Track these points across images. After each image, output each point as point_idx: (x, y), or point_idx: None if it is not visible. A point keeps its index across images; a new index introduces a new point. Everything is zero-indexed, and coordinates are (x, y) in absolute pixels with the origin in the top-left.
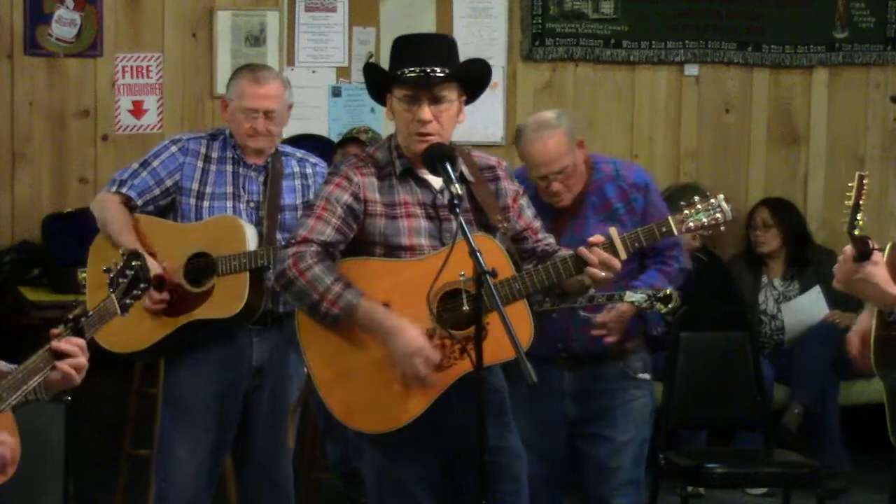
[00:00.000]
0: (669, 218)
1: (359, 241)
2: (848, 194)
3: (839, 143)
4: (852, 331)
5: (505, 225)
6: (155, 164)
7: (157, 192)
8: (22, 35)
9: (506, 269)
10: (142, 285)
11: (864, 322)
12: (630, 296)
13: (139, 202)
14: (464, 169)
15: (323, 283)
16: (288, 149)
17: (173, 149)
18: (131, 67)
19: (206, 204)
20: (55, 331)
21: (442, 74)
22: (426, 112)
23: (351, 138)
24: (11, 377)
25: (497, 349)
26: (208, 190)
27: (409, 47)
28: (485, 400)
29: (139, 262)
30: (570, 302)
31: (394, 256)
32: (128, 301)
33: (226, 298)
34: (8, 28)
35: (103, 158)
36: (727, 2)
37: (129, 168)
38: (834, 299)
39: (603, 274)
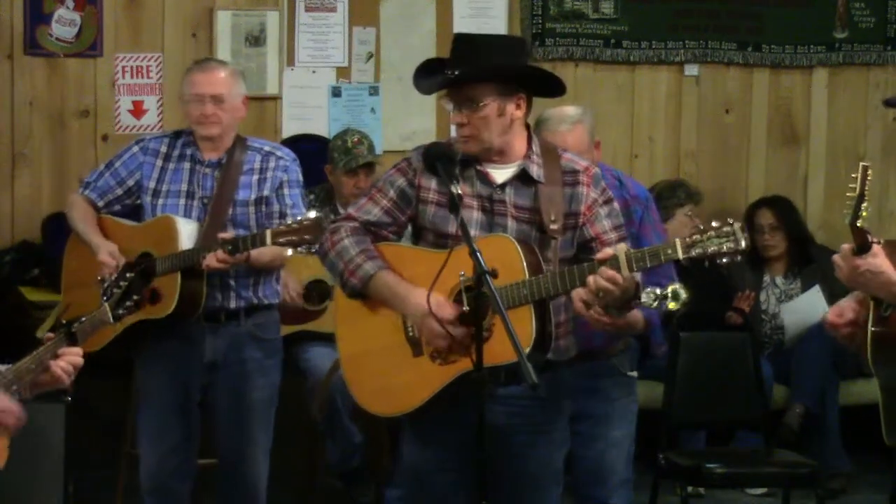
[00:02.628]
0: (677, 242)
1: (416, 226)
2: (851, 185)
3: (839, 143)
4: (834, 306)
5: (554, 228)
6: (117, 164)
7: (119, 192)
8: (22, 35)
9: (518, 271)
10: (134, 297)
11: (847, 303)
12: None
13: (101, 203)
14: (534, 169)
15: (348, 254)
16: (257, 143)
17: (135, 149)
18: (131, 67)
19: (160, 202)
20: (49, 335)
21: (455, 76)
22: (457, 116)
23: (368, 164)
24: (1, 377)
25: (499, 351)
26: (164, 188)
27: (455, 47)
28: (484, 398)
29: (133, 275)
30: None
31: (442, 244)
32: (120, 312)
33: (162, 299)
34: (8, 28)
35: (103, 158)
36: (727, 2)
37: (97, 169)
38: (836, 296)
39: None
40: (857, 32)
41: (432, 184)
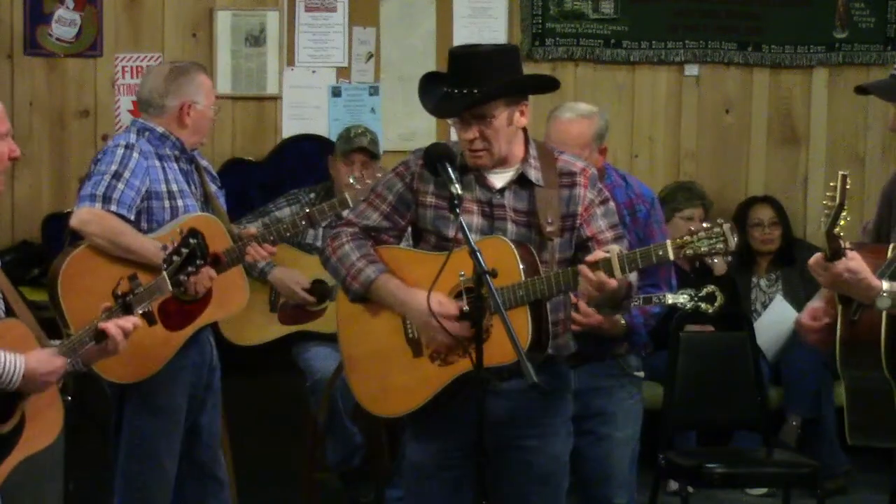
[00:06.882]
0: (668, 242)
1: (417, 228)
2: (829, 194)
3: (839, 143)
4: (807, 308)
5: (551, 230)
6: (126, 174)
7: (138, 201)
8: (22, 35)
9: (514, 273)
10: (198, 262)
11: (819, 305)
12: (672, 297)
13: (132, 217)
14: (532, 173)
15: (349, 260)
16: None
17: (135, 155)
18: (131, 67)
19: (179, 203)
20: (106, 305)
21: (474, 97)
22: (469, 132)
23: (361, 148)
24: (56, 350)
25: (497, 352)
26: (175, 188)
27: (458, 64)
28: (484, 397)
29: (196, 240)
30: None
31: (444, 247)
32: (181, 277)
33: (229, 294)
34: (8, 28)
35: None
36: (727, 2)
37: (100, 181)
38: (809, 296)
39: (593, 291)
40: (857, 32)
41: (430, 187)
